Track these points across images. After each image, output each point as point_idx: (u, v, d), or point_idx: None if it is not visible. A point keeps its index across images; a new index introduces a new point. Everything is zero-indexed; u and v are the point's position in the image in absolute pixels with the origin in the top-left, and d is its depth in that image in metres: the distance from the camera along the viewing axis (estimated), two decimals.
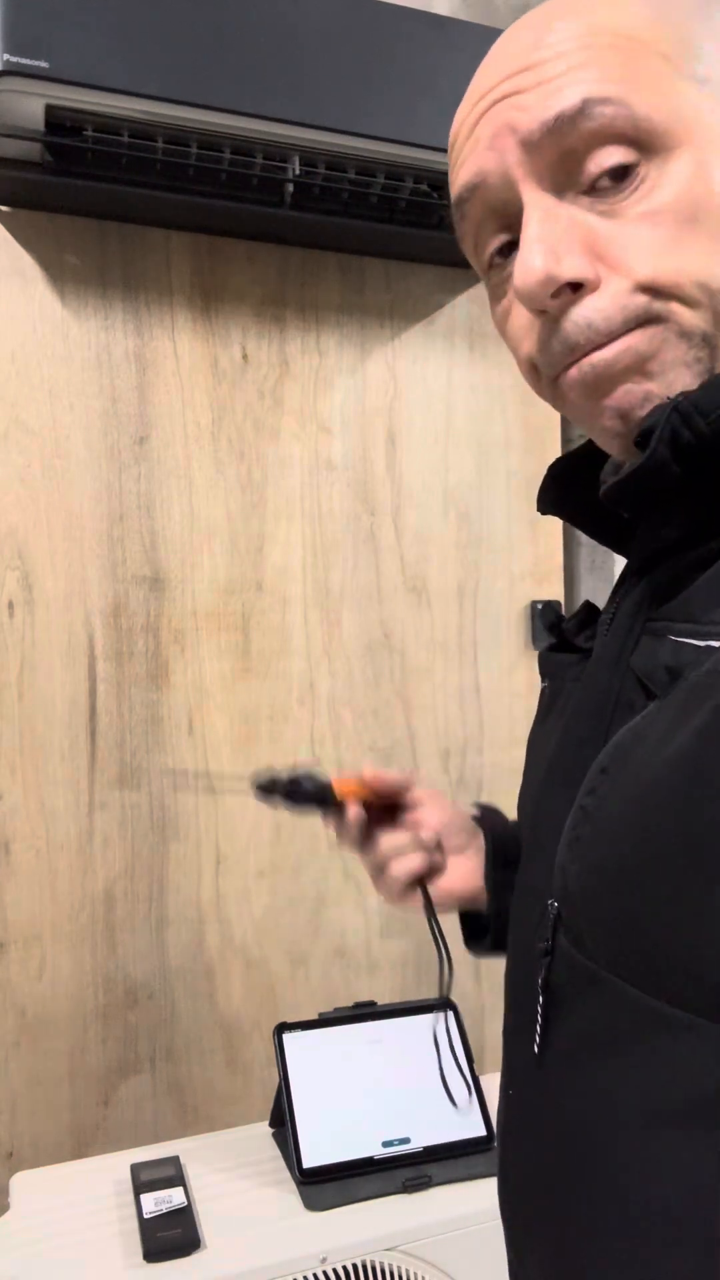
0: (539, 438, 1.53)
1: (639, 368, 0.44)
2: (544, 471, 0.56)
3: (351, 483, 1.44)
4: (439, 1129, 1.03)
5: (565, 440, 1.58)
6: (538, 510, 0.58)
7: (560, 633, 0.57)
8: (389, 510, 1.45)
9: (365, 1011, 1.11)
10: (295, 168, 1.18)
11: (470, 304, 1.50)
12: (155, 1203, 0.95)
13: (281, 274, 1.39)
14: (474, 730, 1.51)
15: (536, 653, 1.58)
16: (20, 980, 1.26)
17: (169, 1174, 1.00)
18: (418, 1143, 1.01)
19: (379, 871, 0.72)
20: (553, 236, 0.43)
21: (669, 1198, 0.39)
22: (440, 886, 0.71)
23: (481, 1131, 1.03)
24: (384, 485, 1.45)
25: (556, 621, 0.57)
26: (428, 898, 0.70)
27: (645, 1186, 0.40)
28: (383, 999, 1.34)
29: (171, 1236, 0.90)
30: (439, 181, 1.26)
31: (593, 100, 0.42)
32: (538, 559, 1.54)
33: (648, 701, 0.44)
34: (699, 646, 0.41)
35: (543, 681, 0.60)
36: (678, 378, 0.44)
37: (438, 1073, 0.98)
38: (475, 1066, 1.09)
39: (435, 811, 0.73)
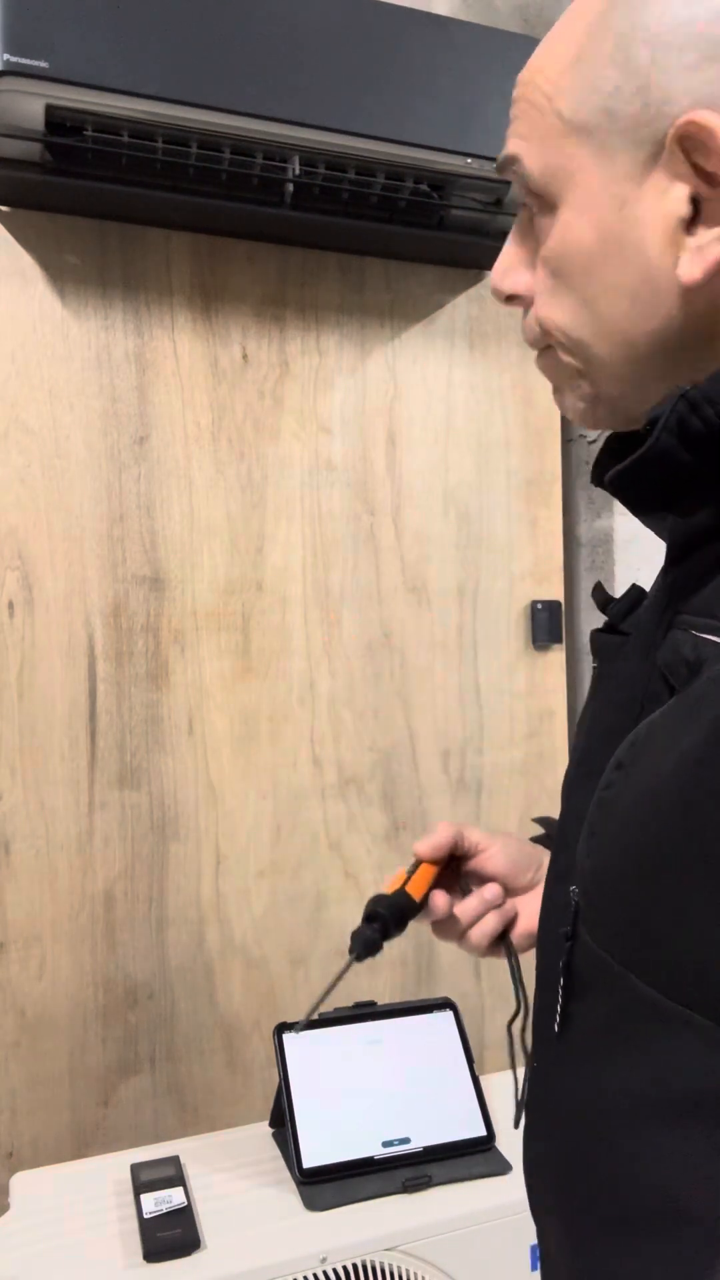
0: (539, 438, 1.53)
1: (554, 386, 0.53)
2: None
3: (351, 483, 1.44)
4: (439, 1129, 1.03)
5: (565, 440, 1.58)
6: (591, 482, 0.58)
7: (610, 614, 0.57)
8: (389, 510, 1.45)
9: (365, 1011, 1.11)
10: (295, 168, 1.18)
11: (470, 304, 1.50)
12: (155, 1203, 0.95)
13: (281, 274, 1.39)
14: (474, 730, 1.51)
15: (537, 653, 1.58)
16: (20, 980, 1.26)
17: (169, 1174, 1.00)
18: (418, 1143, 1.01)
19: (460, 938, 0.70)
20: (509, 253, 0.51)
21: (671, 1189, 0.40)
22: (518, 933, 0.70)
23: (481, 1131, 1.03)
24: (384, 485, 1.45)
25: (605, 602, 0.57)
26: (510, 950, 0.69)
27: (647, 1176, 0.41)
28: (383, 999, 1.33)
29: (171, 1236, 0.90)
30: (439, 181, 1.26)
31: (510, 157, 0.48)
32: (538, 559, 1.54)
33: (670, 695, 0.43)
34: (718, 643, 0.41)
35: (594, 661, 0.59)
36: (569, 398, 0.51)
37: (438, 1073, 0.97)
38: (475, 1067, 1.09)
39: (496, 859, 0.70)
